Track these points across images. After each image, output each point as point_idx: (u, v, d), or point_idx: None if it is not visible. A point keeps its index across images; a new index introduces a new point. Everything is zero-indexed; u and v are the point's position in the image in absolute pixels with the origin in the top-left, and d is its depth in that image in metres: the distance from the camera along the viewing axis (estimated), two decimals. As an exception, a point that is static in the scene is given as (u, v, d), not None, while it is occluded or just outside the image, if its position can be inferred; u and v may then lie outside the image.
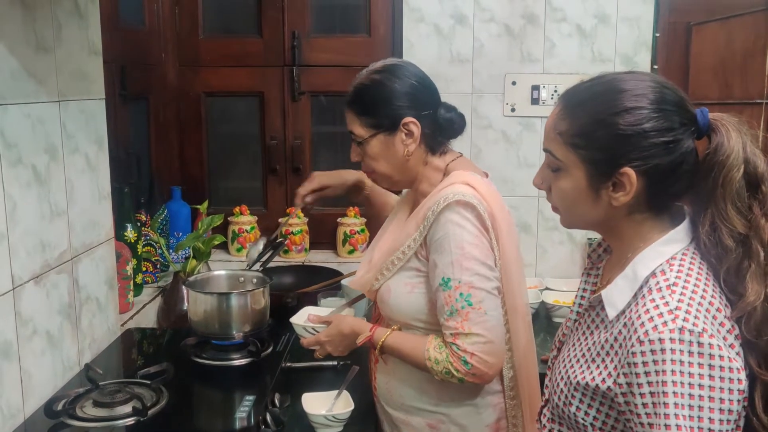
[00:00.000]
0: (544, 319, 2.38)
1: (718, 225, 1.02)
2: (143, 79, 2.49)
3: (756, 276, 1.01)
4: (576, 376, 1.09)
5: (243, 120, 2.83)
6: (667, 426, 0.93)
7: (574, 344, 1.15)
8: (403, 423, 1.59)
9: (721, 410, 0.93)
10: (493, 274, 1.47)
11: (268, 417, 1.52)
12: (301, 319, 1.70)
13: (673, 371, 0.93)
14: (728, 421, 0.94)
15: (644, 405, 0.96)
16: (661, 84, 1.05)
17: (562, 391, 1.11)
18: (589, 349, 1.10)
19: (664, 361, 0.94)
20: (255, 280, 1.89)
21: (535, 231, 2.68)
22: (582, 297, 1.23)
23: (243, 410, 1.51)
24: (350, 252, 2.69)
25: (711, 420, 0.93)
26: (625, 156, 1.02)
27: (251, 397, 1.56)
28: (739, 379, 0.95)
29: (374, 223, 1.92)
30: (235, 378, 1.73)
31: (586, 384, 1.06)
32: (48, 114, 1.59)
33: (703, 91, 2.52)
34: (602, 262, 1.23)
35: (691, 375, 0.93)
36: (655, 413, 0.94)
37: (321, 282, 2.29)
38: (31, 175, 1.52)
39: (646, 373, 0.95)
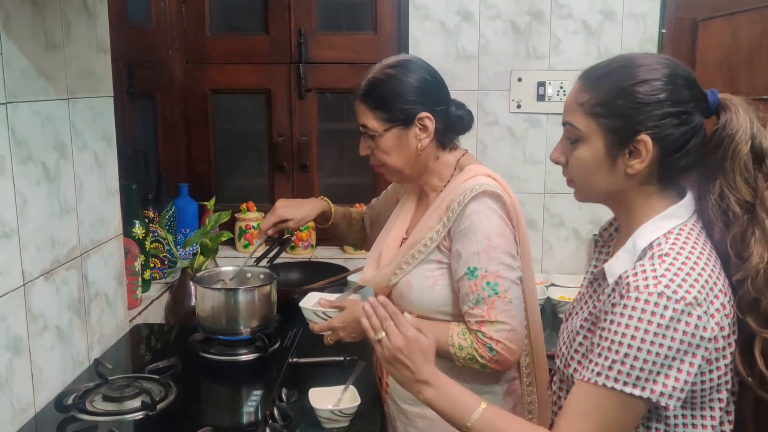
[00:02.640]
0: (549, 315, 2.38)
1: (727, 194, 1.10)
2: (150, 76, 2.51)
3: (760, 242, 1.08)
4: (578, 341, 1.16)
5: (250, 117, 2.84)
6: (618, 371, 1.02)
7: (578, 313, 1.23)
8: (418, 416, 1.60)
9: (679, 369, 1.01)
10: (516, 263, 1.50)
11: (276, 411, 1.53)
12: (309, 303, 1.69)
13: (636, 328, 1.01)
14: (686, 381, 1.02)
15: (599, 345, 1.05)
16: (674, 62, 1.14)
17: (564, 354, 1.20)
18: (591, 314, 1.16)
19: (631, 317, 1.02)
20: (262, 276, 1.90)
21: (541, 227, 2.68)
22: (592, 273, 1.29)
23: (250, 405, 1.52)
24: (356, 248, 2.70)
25: (666, 376, 1.01)
26: (643, 123, 1.09)
27: (258, 392, 1.57)
28: (710, 349, 1.03)
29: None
30: (243, 373, 1.74)
31: (579, 343, 1.15)
32: (57, 111, 1.60)
33: (708, 86, 2.50)
34: (612, 241, 1.30)
35: (655, 334, 1.01)
36: (602, 355, 1.04)
37: (327, 278, 2.31)
38: (41, 173, 1.54)
39: (612, 322, 1.04)
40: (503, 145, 2.66)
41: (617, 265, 1.13)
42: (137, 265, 2.09)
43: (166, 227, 2.44)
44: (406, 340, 1.21)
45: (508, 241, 1.49)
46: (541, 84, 2.62)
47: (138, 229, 2.17)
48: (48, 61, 1.56)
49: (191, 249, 2.46)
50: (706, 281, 1.04)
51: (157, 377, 1.61)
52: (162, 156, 2.62)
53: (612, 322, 1.05)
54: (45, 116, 1.55)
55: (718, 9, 2.53)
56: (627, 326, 1.03)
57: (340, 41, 2.71)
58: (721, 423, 1.11)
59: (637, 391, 1.02)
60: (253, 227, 2.71)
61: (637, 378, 1.02)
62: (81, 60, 1.71)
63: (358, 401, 1.60)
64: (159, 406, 1.49)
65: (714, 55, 2.53)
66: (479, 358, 1.45)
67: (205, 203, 2.58)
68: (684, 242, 1.08)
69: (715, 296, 1.05)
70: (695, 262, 1.05)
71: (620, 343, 1.03)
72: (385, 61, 1.58)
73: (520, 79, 2.63)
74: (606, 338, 1.05)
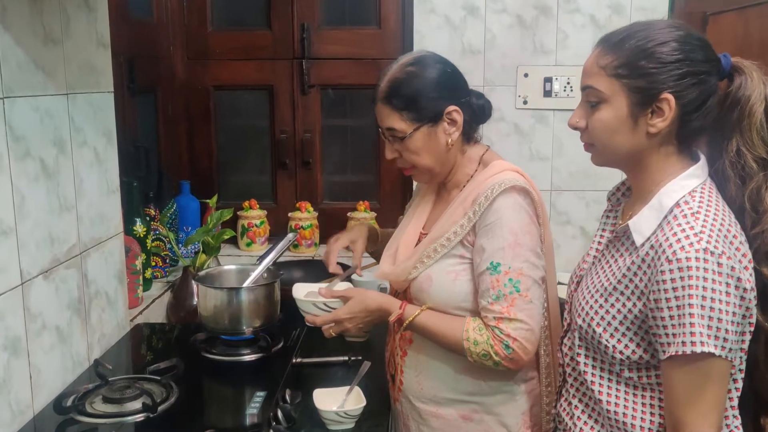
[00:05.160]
0: (557, 314, 2.35)
1: (744, 151, 1.17)
2: (151, 72, 2.48)
3: None
4: (610, 302, 1.20)
5: (252, 113, 2.81)
6: (692, 333, 1.05)
7: (597, 273, 1.27)
8: (432, 416, 1.57)
9: (734, 322, 1.07)
10: (541, 263, 1.47)
11: (279, 413, 1.50)
12: (301, 293, 1.62)
13: (697, 286, 1.06)
14: (735, 332, 1.08)
15: (671, 317, 1.08)
16: (687, 25, 1.20)
17: (587, 314, 1.23)
18: (614, 274, 1.21)
19: (690, 277, 1.06)
20: (265, 275, 1.86)
21: (548, 218, 2.64)
22: (602, 236, 1.35)
23: (254, 406, 1.49)
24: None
25: (727, 331, 1.06)
26: (665, 82, 1.14)
27: (262, 393, 1.54)
28: (749, 299, 1.09)
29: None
30: (246, 374, 1.71)
31: (611, 305, 1.19)
32: (56, 107, 1.57)
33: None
34: (620, 205, 1.35)
35: (713, 290, 1.06)
36: (680, 323, 1.07)
37: (331, 277, 2.27)
38: (39, 169, 1.51)
39: (674, 289, 1.07)
40: (509, 141, 2.62)
41: (643, 222, 1.18)
42: (138, 263, 2.06)
43: (168, 225, 2.41)
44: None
45: (534, 239, 1.46)
46: (548, 80, 2.59)
47: (139, 227, 2.14)
48: (46, 55, 1.53)
49: (193, 247, 2.43)
50: (734, 236, 1.11)
51: (158, 378, 1.58)
52: (163, 153, 2.59)
53: (667, 290, 1.08)
54: (43, 111, 1.52)
55: (728, 2, 2.49)
56: (691, 296, 1.06)
57: (344, 36, 2.68)
58: (740, 362, 1.17)
59: (717, 351, 1.06)
60: (256, 225, 2.68)
61: (716, 337, 1.06)
62: (80, 54, 1.68)
63: (364, 402, 1.56)
64: (160, 408, 1.46)
65: (725, 50, 2.47)
66: (494, 355, 1.42)
67: (207, 201, 2.54)
68: (708, 200, 1.14)
69: (746, 250, 1.12)
70: (723, 219, 1.12)
71: (690, 305, 1.06)
72: (401, 60, 1.55)
73: (526, 75, 2.59)
74: (671, 307, 1.08)
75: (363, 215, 2.67)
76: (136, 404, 1.47)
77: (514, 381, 1.54)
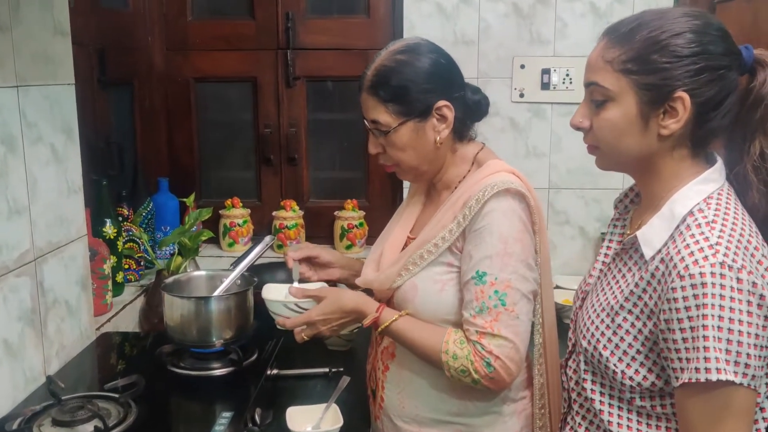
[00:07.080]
0: (554, 320, 2.22)
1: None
2: (127, 63, 2.35)
3: None
4: (617, 322, 1.09)
5: (235, 107, 2.67)
6: (706, 359, 0.94)
7: (603, 290, 1.16)
8: None
9: (756, 345, 0.95)
10: (532, 275, 1.34)
11: (246, 437, 1.38)
12: (271, 294, 1.48)
13: (713, 305, 0.95)
14: (759, 356, 0.96)
15: (684, 340, 0.97)
16: (705, 12, 1.08)
17: (593, 335, 1.12)
18: (621, 291, 1.10)
19: (705, 295, 0.95)
20: (239, 282, 1.73)
21: (545, 225, 2.51)
22: (608, 248, 1.25)
23: (218, 430, 1.35)
24: (348, 247, 2.54)
25: (749, 356, 0.95)
26: (680, 79, 1.03)
27: (228, 414, 1.41)
28: None
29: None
30: (214, 390, 1.58)
31: (618, 326, 1.08)
32: (4, 100, 1.44)
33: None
34: (629, 213, 1.25)
35: (731, 310, 0.94)
36: (694, 347, 0.95)
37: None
38: (-16, 169, 1.38)
39: (687, 308, 0.96)
40: (504, 137, 2.49)
41: (653, 233, 1.07)
42: (106, 267, 1.93)
43: (143, 225, 2.28)
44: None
45: (526, 248, 1.33)
46: (546, 71, 2.45)
47: (109, 229, 2.01)
48: (-9, 43, 1.40)
49: (169, 249, 2.30)
50: (756, 248, 1.01)
51: (116, 396, 1.45)
52: (141, 149, 2.46)
53: (678, 310, 0.97)
54: (-13, 105, 1.39)
55: (737, -11, 2.35)
56: (705, 316, 0.95)
57: (331, 25, 2.54)
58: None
59: (737, 378, 0.95)
60: (239, 224, 2.55)
61: (736, 363, 0.94)
62: (33, 43, 1.55)
63: (341, 422, 1.45)
64: (114, 431, 1.33)
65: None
66: (473, 372, 1.29)
67: (185, 200, 2.41)
68: (726, 208, 1.04)
69: (759, 262, 1.01)
70: (742, 228, 1.02)
71: (704, 326, 0.95)
72: (392, 47, 1.41)
73: (523, 66, 2.45)
74: (684, 329, 0.97)
75: (351, 214, 2.54)
76: (89, 427, 1.33)
77: (502, 401, 1.42)
